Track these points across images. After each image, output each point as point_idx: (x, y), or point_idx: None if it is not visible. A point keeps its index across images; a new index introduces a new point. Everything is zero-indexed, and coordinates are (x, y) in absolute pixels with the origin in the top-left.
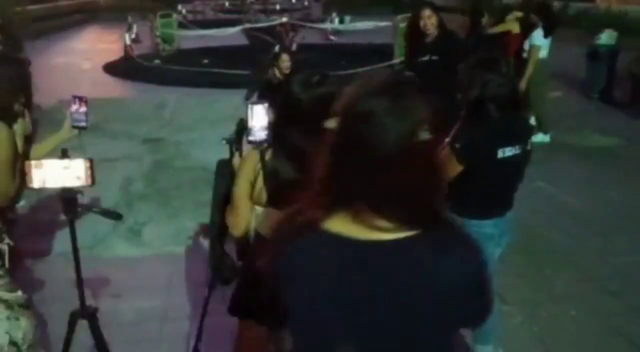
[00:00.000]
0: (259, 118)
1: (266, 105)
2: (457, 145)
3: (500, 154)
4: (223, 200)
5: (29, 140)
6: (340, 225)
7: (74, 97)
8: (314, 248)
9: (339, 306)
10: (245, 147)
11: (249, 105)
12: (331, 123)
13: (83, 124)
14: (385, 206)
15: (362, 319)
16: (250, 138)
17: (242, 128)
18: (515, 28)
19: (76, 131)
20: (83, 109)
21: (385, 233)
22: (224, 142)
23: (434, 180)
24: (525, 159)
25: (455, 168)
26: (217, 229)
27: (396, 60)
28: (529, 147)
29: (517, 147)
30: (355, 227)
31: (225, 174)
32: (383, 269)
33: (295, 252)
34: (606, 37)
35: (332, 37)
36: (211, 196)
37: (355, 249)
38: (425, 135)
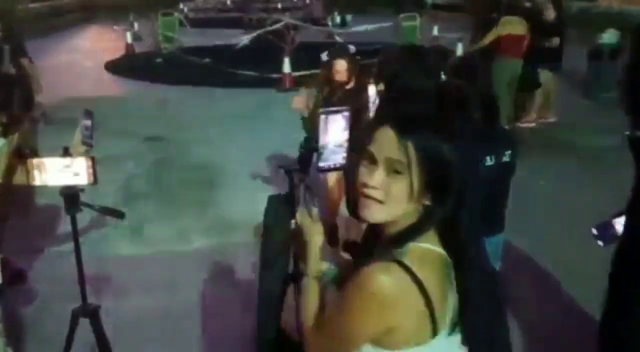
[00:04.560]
0: (336, 133)
1: (347, 113)
2: None
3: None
4: (279, 293)
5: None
6: None
7: (85, 111)
8: None
9: None
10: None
11: (322, 116)
12: (380, 86)
13: (89, 140)
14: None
15: None
16: (322, 164)
17: (310, 150)
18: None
19: (85, 148)
20: (89, 123)
21: None
22: (282, 171)
23: (452, 109)
24: (502, 172)
25: None
26: (269, 329)
27: None
28: (506, 159)
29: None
30: None
31: (281, 233)
32: None
33: None
34: (608, 37)
35: (337, 38)
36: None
37: None
38: (443, 78)
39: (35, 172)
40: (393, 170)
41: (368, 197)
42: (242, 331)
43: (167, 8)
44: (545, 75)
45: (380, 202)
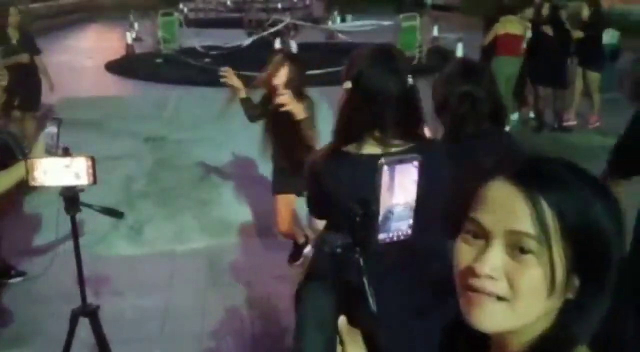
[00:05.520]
0: (404, 191)
1: (417, 162)
2: None
3: None
4: None
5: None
6: (367, 149)
7: (52, 118)
8: (352, 164)
9: None
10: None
11: (385, 167)
12: (347, 85)
13: (53, 149)
14: (396, 131)
15: None
16: (382, 235)
17: (367, 216)
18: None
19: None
20: (55, 130)
21: (397, 147)
22: (325, 249)
23: (419, 113)
24: None
25: None
26: None
27: None
28: None
29: None
30: (377, 147)
31: (323, 337)
32: None
33: (338, 167)
34: (608, 37)
35: (340, 35)
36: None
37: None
38: (410, 81)
39: (35, 173)
40: (519, 248)
41: (479, 291)
42: (241, 330)
43: (167, 8)
44: (591, 76)
45: (502, 299)
